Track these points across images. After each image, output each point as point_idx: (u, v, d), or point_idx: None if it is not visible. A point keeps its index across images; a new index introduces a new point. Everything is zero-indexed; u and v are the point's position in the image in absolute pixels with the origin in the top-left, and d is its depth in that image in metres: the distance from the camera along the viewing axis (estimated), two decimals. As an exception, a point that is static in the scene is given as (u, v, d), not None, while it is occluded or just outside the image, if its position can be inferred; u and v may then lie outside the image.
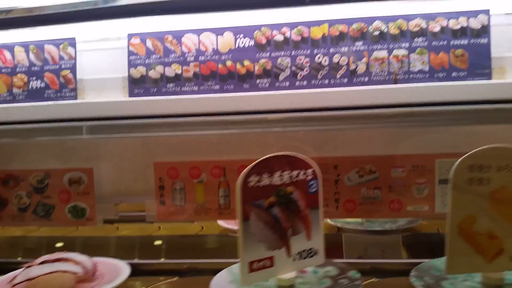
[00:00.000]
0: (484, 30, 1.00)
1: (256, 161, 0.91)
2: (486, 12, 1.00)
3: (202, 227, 1.62)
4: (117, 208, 1.31)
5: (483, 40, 1.00)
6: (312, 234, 0.98)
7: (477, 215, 0.90)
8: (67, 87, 1.10)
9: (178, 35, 1.06)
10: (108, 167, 1.30)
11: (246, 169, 0.90)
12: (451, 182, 0.89)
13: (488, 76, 0.99)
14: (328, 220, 1.51)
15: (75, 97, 1.10)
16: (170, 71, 1.06)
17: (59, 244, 1.51)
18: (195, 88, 1.06)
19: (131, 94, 1.06)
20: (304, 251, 0.97)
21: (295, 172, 0.96)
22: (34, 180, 1.32)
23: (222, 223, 1.55)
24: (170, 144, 1.23)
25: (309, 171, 0.99)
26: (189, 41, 1.05)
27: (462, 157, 0.90)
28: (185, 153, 1.22)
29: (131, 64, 1.06)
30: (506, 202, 0.90)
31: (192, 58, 1.06)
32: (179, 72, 1.06)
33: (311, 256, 0.98)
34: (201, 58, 1.05)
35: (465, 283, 0.96)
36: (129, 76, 1.06)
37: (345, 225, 1.48)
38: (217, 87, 1.05)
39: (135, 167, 1.28)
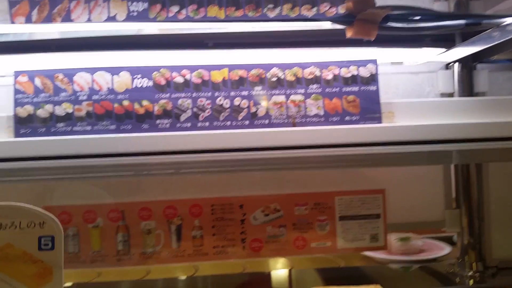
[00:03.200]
0: (373, 78, 1.08)
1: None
2: (374, 62, 1.08)
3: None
4: (4, 257, 1.18)
5: (373, 87, 1.08)
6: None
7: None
8: None
9: (69, 73, 1.01)
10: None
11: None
12: None
13: (379, 120, 1.06)
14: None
15: (-46, 138, 1.00)
16: (61, 110, 1.00)
17: None
18: (88, 128, 1.01)
19: (17, 134, 0.99)
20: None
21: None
22: None
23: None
24: (61, 186, 1.16)
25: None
26: (82, 79, 1.01)
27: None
28: (78, 196, 1.15)
29: (17, 103, 0.99)
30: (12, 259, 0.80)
31: (85, 97, 1.01)
32: (70, 111, 1.00)
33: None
34: (95, 97, 1.01)
35: None
36: (15, 115, 0.99)
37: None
38: (113, 127, 1.01)
39: (24, 212, 1.17)
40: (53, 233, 0.74)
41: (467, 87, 1.18)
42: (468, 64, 1.18)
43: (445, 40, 1.10)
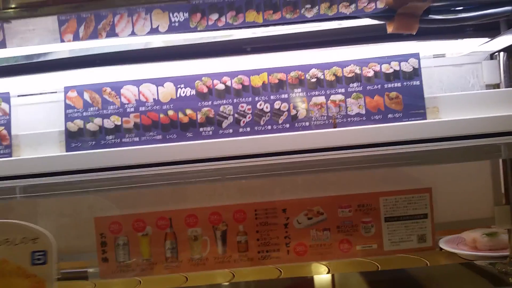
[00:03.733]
0: (416, 73, 1.06)
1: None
2: (416, 55, 1.06)
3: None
4: (57, 267, 1.23)
5: (416, 82, 1.06)
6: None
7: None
8: (2, 144, 1.05)
9: (117, 87, 1.04)
10: (47, 224, 1.23)
11: None
12: None
13: (423, 116, 1.04)
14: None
15: (10, 154, 1.05)
16: (109, 123, 1.03)
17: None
18: (136, 139, 1.04)
19: (69, 148, 1.03)
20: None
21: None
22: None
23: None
24: (112, 197, 1.19)
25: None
26: (129, 92, 1.04)
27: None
28: (128, 205, 1.18)
29: (68, 118, 1.03)
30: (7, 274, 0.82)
31: (132, 109, 1.04)
32: (119, 123, 1.04)
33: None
34: (142, 108, 1.04)
35: None
36: (66, 130, 1.03)
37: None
38: (159, 137, 1.04)
39: (76, 223, 1.22)
40: (46, 248, 0.76)
41: (514, 77, 1.15)
42: (514, 52, 1.14)
43: (489, 29, 1.05)
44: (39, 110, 1.08)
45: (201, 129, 1.05)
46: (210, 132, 1.05)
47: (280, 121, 1.05)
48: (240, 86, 1.05)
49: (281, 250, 1.22)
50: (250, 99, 1.05)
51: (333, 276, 1.29)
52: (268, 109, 1.05)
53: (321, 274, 1.27)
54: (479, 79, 1.18)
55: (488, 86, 1.18)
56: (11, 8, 0.78)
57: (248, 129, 1.05)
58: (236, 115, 1.05)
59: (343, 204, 1.21)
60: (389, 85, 1.05)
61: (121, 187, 1.00)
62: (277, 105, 1.05)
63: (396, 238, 1.21)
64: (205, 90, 1.05)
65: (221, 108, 1.05)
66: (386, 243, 1.21)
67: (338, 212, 1.21)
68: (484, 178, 1.25)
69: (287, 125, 1.05)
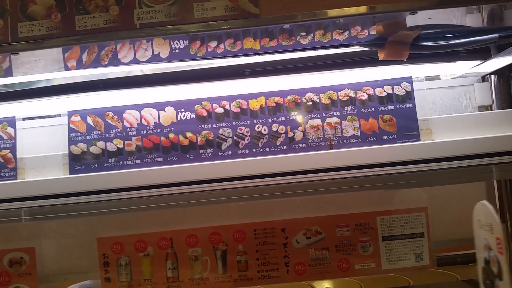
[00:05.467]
0: (409, 96, 1.09)
1: None
2: (409, 79, 1.10)
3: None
4: (61, 287, 1.24)
5: (409, 105, 1.09)
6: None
7: None
8: (7, 167, 1.08)
9: (119, 111, 1.08)
10: (51, 245, 1.25)
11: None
12: None
13: (417, 137, 1.07)
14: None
15: (15, 177, 1.08)
16: (112, 146, 1.07)
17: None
18: (138, 161, 1.07)
19: (72, 171, 1.06)
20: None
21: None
22: (-30, 263, 1.24)
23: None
24: (114, 218, 1.22)
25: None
26: (131, 116, 1.08)
27: None
28: (129, 226, 1.20)
29: (71, 141, 1.06)
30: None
31: (134, 133, 1.07)
32: (121, 146, 1.07)
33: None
34: (143, 132, 1.08)
35: None
36: (70, 153, 1.06)
37: None
38: (160, 159, 1.07)
39: (79, 244, 1.24)
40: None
41: (506, 98, 1.17)
42: (505, 75, 1.17)
43: (481, 51, 1.09)
44: (43, 133, 1.11)
45: (201, 151, 1.08)
46: (210, 154, 1.08)
47: (277, 143, 1.08)
48: (238, 110, 1.09)
49: (280, 269, 1.23)
50: (248, 122, 1.08)
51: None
52: (266, 132, 1.08)
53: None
54: (471, 100, 1.21)
55: (481, 108, 1.20)
56: (19, 41, 0.81)
57: (247, 151, 1.08)
58: (235, 138, 1.08)
59: (341, 224, 1.22)
60: (383, 108, 1.08)
61: (123, 209, 1.03)
62: (274, 127, 1.08)
63: (394, 257, 1.22)
64: (205, 113, 1.08)
65: (220, 131, 1.08)
66: (384, 262, 1.22)
67: (336, 231, 1.22)
68: (479, 197, 1.26)
69: (285, 147, 1.08)
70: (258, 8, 0.85)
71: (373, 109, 1.08)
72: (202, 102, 1.09)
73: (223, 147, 1.08)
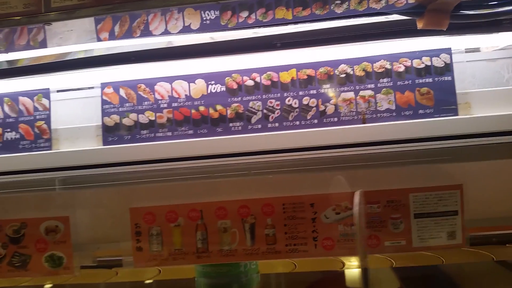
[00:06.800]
0: (447, 68, 1.04)
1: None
2: (448, 51, 1.05)
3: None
4: (94, 255, 1.28)
5: (447, 78, 1.04)
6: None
7: None
8: (42, 137, 1.11)
9: (151, 83, 1.08)
10: (85, 214, 1.28)
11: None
12: None
13: (455, 112, 1.03)
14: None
15: (50, 148, 1.11)
16: (144, 118, 1.08)
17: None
18: (169, 133, 1.07)
19: (105, 142, 1.07)
20: None
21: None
22: (10, 230, 1.30)
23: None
24: (146, 189, 1.23)
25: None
26: (162, 88, 1.08)
27: None
28: (161, 197, 1.22)
29: (104, 113, 1.08)
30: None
31: (165, 105, 1.08)
32: (153, 118, 1.08)
33: None
34: (174, 104, 1.08)
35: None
36: (103, 124, 1.08)
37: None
38: (191, 132, 1.07)
39: (112, 214, 1.27)
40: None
41: (552, 72, 1.11)
42: (552, 46, 1.11)
43: (526, 22, 1.03)
44: (77, 105, 1.13)
45: (230, 124, 1.07)
46: (240, 128, 1.07)
47: (308, 117, 1.06)
48: (269, 82, 1.07)
49: (308, 244, 1.23)
50: (278, 95, 1.07)
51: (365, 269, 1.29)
52: (297, 105, 1.06)
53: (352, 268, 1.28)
54: (514, 74, 1.15)
55: (524, 81, 1.14)
56: (52, 11, 0.82)
57: (277, 124, 1.07)
58: (265, 111, 1.07)
59: (372, 200, 1.20)
60: (420, 81, 1.04)
61: (155, 180, 1.04)
62: (305, 100, 1.06)
63: (426, 235, 1.20)
64: (235, 86, 1.07)
65: (250, 104, 1.07)
66: (415, 240, 1.19)
67: (367, 207, 1.21)
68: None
69: (316, 121, 1.06)
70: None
71: (410, 81, 1.04)
72: (232, 75, 1.07)
73: (253, 120, 1.07)
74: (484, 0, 0.92)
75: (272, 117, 1.06)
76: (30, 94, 1.12)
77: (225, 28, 0.95)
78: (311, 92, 1.06)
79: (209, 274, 1.19)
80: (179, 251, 1.22)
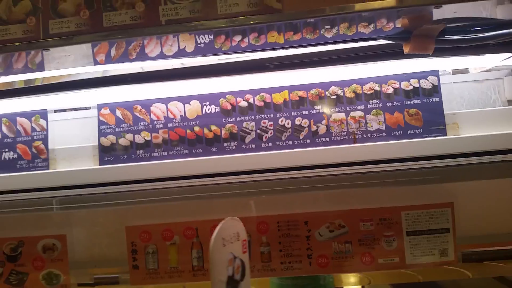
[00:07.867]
0: (435, 89, 1.07)
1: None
2: (435, 73, 1.08)
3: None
4: (91, 273, 1.30)
5: (435, 99, 1.07)
6: None
7: None
8: (39, 157, 1.13)
9: (146, 104, 1.11)
10: (82, 233, 1.30)
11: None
12: None
13: (443, 132, 1.05)
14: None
15: (47, 167, 1.13)
16: (140, 139, 1.10)
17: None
18: (165, 153, 1.10)
19: (102, 162, 1.09)
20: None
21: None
22: (7, 249, 1.31)
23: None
24: (142, 207, 1.25)
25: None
26: (158, 109, 1.11)
27: None
28: (157, 216, 1.24)
29: (101, 133, 1.10)
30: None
31: (161, 125, 1.10)
32: (149, 139, 1.10)
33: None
34: (170, 125, 1.10)
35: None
36: (100, 144, 1.10)
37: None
38: (186, 151, 1.10)
39: (108, 232, 1.28)
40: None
41: (537, 93, 1.14)
42: (537, 68, 1.14)
43: (511, 44, 1.06)
44: (74, 125, 1.15)
45: (225, 144, 1.09)
46: (234, 147, 1.09)
47: (301, 137, 1.08)
48: (262, 103, 1.10)
49: (303, 261, 1.24)
50: (271, 115, 1.09)
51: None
52: (289, 125, 1.09)
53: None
54: (500, 94, 1.18)
55: (510, 102, 1.17)
56: (50, 37, 0.85)
57: (270, 144, 1.09)
58: (258, 131, 1.09)
59: (365, 218, 1.22)
60: (409, 102, 1.07)
61: (151, 199, 1.06)
62: (298, 121, 1.09)
63: (418, 252, 1.21)
64: (229, 107, 1.10)
65: (244, 124, 1.09)
66: (408, 257, 1.21)
67: (360, 225, 1.22)
68: (507, 192, 1.24)
69: (308, 141, 1.08)
70: (280, 3, 0.86)
71: (399, 102, 1.07)
72: (227, 96, 1.10)
73: (247, 140, 1.09)
74: (467, 26, 0.95)
75: (266, 137, 1.09)
76: (27, 115, 1.15)
77: (219, 52, 0.98)
78: (303, 112, 1.09)
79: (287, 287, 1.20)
80: (175, 269, 1.23)
